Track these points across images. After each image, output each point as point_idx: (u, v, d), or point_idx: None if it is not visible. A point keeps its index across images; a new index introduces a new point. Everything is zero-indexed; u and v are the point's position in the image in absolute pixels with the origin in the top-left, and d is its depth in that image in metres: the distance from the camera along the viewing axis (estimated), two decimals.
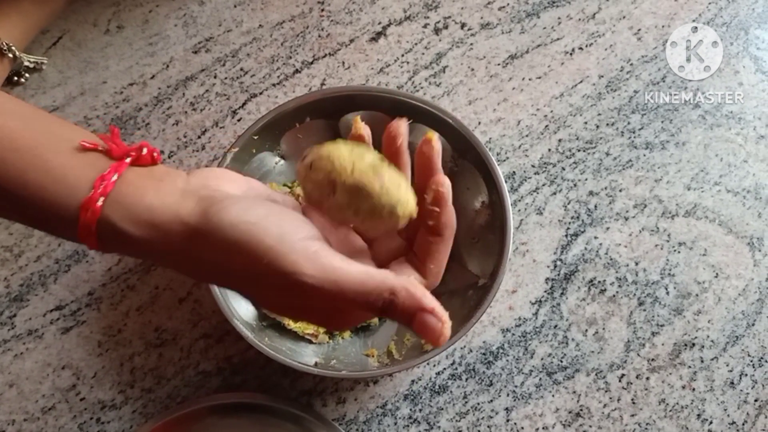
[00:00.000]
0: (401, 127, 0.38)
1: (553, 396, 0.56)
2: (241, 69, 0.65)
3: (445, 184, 0.37)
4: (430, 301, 0.35)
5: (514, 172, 0.62)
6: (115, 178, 0.35)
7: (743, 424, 0.56)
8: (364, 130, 0.40)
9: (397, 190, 0.35)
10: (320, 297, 0.34)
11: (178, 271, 0.38)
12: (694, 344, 0.58)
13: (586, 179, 0.62)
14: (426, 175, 0.38)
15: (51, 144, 0.36)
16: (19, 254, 0.59)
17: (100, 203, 0.35)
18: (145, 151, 0.37)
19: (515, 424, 0.56)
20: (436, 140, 0.38)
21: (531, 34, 0.67)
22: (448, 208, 0.37)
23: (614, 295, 0.59)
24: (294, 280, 0.33)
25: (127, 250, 0.37)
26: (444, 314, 0.35)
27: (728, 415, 0.56)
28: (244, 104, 0.64)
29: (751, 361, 0.57)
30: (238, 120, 0.64)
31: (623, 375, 0.57)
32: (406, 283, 0.35)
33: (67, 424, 0.55)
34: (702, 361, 0.57)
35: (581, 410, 0.56)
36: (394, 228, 0.37)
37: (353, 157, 0.36)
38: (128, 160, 0.36)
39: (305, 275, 0.33)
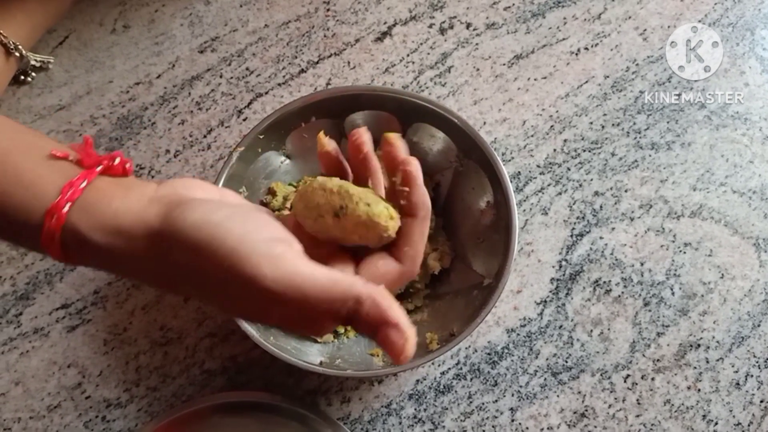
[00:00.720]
0: (363, 135, 0.38)
1: (558, 396, 0.56)
2: (247, 68, 0.66)
3: (412, 163, 0.37)
4: (396, 315, 0.34)
5: (519, 172, 0.62)
6: (83, 184, 0.35)
7: (749, 425, 0.56)
8: (330, 145, 0.40)
9: (376, 206, 0.36)
10: (283, 302, 0.33)
11: (140, 279, 0.38)
12: (699, 345, 0.58)
13: (592, 179, 0.62)
14: (394, 165, 0.38)
15: (22, 151, 0.35)
16: (26, 253, 0.59)
17: (66, 209, 0.34)
18: (117, 161, 0.36)
19: (520, 424, 0.56)
20: (396, 138, 0.38)
21: (536, 35, 0.67)
22: (418, 187, 0.36)
23: (619, 296, 0.59)
24: (255, 285, 0.32)
25: (90, 259, 0.36)
26: (408, 330, 0.34)
27: (734, 416, 0.56)
28: (249, 104, 0.64)
29: (757, 362, 0.57)
30: (244, 119, 0.64)
31: (628, 375, 0.57)
32: (374, 291, 0.34)
33: (72, 422, 0.56)
34: (707, 362, 0.57)
35: (586, 410, 0.56)
36: (381, 241, 0.37)
37: (335, 186, 0.37)
38: (99, 168, 0.36)
39: (266, 279, 0.32)
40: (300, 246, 0.35)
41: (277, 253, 0.33)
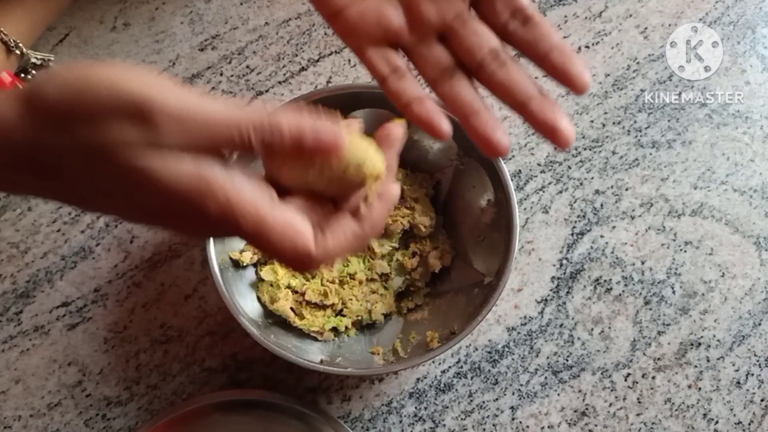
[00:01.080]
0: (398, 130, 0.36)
1: (558, 395, 0.56)
2: (247, 66, 0.65)
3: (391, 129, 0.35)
4: (318, 120, 0.31)
5: (520, 170, 0.62)
6: None
7: (749, 424, 0.56)
8: None
9: (365, 151, 0.34)
10: (173, 133, 0.29)
11: (6, 178, 0.32)
12: (700, 344, 0.58)
13: (593, 178, 0.62)
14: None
15: None
16: (26, 251, 0.59)
17: None
18: (6, 77, 0.33)
19: (520, 422, 0.56)
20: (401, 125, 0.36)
21: None
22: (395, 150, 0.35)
23: (620, 294, 0.59)
24: (141, 109, 0.28)
25: None
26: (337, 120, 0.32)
27: (734, 415, 0.56)
28: (250, 102, 0.64)
29: (758, 361, 0.57)
30: None
31: (629, 374, 0.57)
32: (289, 111, 0.31)
33: (72, 420, 0.56)
34: (708, 361, 0.57)
35: (587, 409, 0.56)
36: (358, 187, 0.34)
37: None
38: None
39: (154, 100, 0.28)
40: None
41: (171, 83, 0.29)
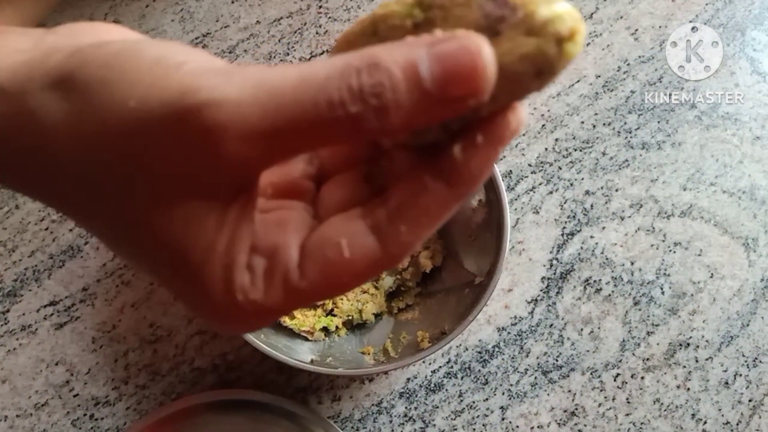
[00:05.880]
0: None
1: (548, 395, 0.56)
2: (238, 65, 0.65)
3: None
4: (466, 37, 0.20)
5: (510, 170, 0.62)
6: None
7: (737, 424, 0.56)
8: None
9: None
10: (258, 137, 0.20)
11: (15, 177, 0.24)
12: (689, 344, 0.58)
13: (583, 179, 0.62)
14: None
15: None
16: (13, 249, 0.59)
17: None
18: None
19: (510, 422, 0.56)
20: None
21: None
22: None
23: (610, 295, 0.59)
24: (190, 113, 0.19)
25: None
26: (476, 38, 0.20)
27: (722, 415, 0.56)
28: None
29: (746, 362, 0.58)
30: None
31: (618, 374, 0.57)
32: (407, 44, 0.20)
33: (60, 420, 0.55)
34: (697, 361, 0.58)
35: (576, 409, 0.56)
36: (548, 75, 0.20)
37: None
38: None
39: (209, 89, 0.20)
40: None
41: (221, 64, 0.21)
